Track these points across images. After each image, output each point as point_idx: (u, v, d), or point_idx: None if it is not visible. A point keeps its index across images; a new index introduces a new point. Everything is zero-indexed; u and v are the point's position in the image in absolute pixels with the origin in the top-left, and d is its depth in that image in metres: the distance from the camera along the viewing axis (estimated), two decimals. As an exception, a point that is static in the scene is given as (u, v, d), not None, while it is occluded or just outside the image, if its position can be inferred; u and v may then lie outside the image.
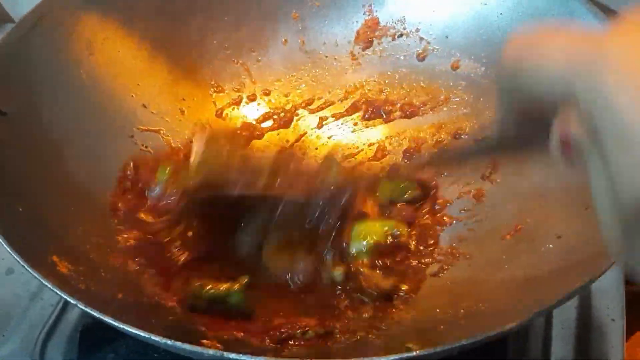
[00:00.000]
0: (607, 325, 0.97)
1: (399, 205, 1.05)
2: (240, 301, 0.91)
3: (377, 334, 0.87)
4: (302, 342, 0.87)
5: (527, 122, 0.58)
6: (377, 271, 0.95)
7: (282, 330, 0.88)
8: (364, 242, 0.97)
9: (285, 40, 1.23)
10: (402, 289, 0.94)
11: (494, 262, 0.92)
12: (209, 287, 0.91)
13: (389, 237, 0.98)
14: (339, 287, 0.95)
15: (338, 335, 0.87)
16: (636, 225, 0.42)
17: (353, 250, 0.97)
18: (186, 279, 0.93)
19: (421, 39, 1.18)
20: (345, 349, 0.86)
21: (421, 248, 1.00)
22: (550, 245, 0.87)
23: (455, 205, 1.05)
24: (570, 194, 0.91)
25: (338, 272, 0.95)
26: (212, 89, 1.20)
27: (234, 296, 0.91)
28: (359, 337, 0.86)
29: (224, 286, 0.91)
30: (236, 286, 0.91)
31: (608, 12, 0.99)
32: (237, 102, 1.21)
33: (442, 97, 1.15)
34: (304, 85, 1.23)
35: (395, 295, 0.93)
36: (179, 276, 0.94)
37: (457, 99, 1.13)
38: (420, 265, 0.98)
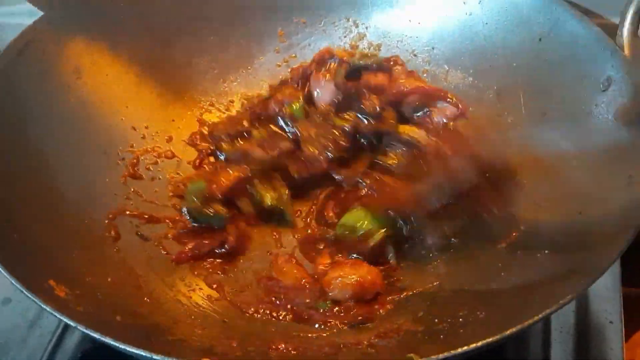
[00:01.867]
0: (605, 327, 0.98)
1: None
2: None
3: (380, 345, 0.87)
4: None
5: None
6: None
7: None
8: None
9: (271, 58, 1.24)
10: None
11: (490, 270, 0.92)
12: None
13: None
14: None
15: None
16: None
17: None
18: None
19: (407, 51, 1.18)
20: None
21: None
22: (546, 252, 0.88)
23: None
24: (564, 200, 0.92)
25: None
26: (201, 110, 1.20)
27: None
28: (363, 347, 0.87)
29: None
30: None
31: (591, 15, 1.00)
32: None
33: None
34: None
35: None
36: None
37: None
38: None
